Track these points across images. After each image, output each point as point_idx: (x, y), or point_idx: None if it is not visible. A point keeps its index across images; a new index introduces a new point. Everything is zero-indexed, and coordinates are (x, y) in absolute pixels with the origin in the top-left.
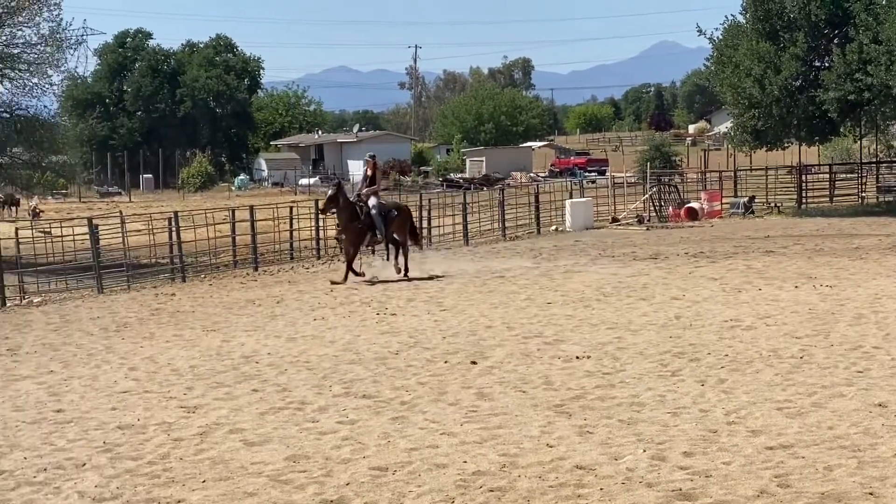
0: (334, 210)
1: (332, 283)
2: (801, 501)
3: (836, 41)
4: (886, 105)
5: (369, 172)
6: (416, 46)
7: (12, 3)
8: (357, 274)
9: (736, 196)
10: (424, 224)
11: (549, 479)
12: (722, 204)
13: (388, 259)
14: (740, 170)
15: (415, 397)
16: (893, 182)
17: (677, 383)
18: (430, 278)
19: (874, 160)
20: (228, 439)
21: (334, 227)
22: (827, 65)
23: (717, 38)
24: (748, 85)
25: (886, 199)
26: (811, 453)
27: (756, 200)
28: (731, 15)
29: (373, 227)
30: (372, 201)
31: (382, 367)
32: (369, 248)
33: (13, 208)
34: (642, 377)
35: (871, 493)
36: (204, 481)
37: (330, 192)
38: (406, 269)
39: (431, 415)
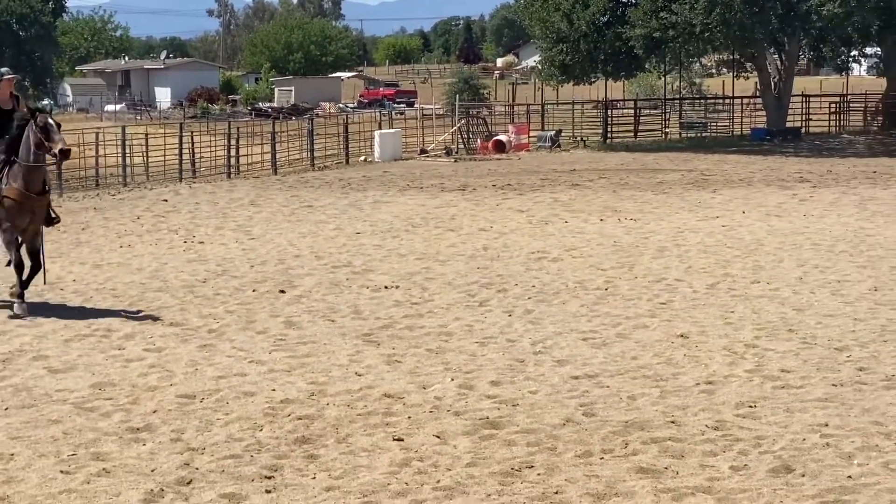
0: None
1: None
2: (605, 430)
3: None
4: (690, 43)
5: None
6: None
7: None
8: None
9: (543, 130)
10: (233, 153)
11: (358, 407)
12: (529, 137)
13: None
14: (547, 104)
15: (223, 325)
16: (696, 118)
17: (485, 313)
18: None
19: (678, 97)
20: (32, 366)
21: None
22: (634, 1)
23: None
24: (556, 19)
25: (689, 136)
26: (615, 383)
27: (562, 134)
28: None
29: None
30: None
31: (190, 296)
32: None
33: None
34: (450, 307)
35: (672, 422)
36: (7, 409)
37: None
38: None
39: (239, 343)
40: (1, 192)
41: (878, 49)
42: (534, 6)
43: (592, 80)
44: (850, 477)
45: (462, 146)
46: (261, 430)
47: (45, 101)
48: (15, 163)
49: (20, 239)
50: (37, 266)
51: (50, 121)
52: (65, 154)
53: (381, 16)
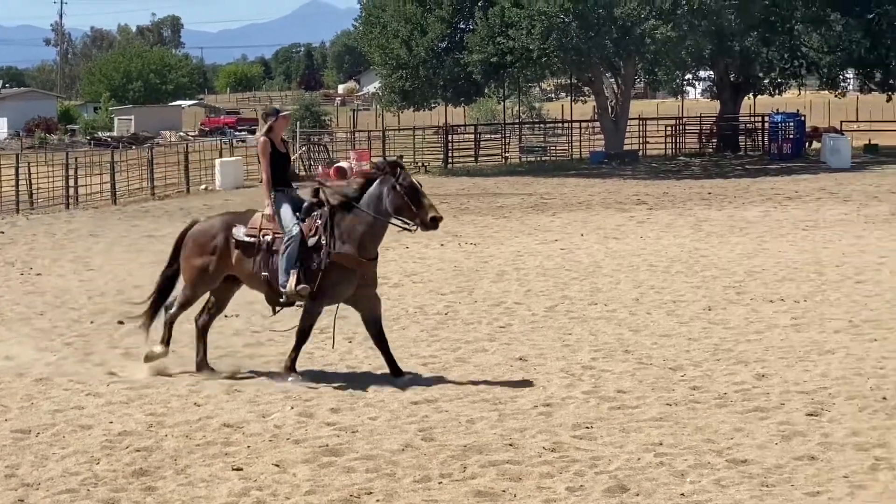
0: None
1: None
2: (444, 454)
3: (479, 4)
4: (528, 68)
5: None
6: (61, 2)
7: None
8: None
9: (384, 156)
10: (71, 184)
11: (197, 437)
12: (370, 163)
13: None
14: (389, 130)
15: (60, 358)
16: (535, 143)
17: (325, 340)
18: None
19: (517, 121)
20: None
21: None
22: (471, 28)
23: None
24: (395, 46)
25: (528, 160)
26: (455, 407)
27: (403, 160)
28: None
29: None
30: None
31: (27, 328)
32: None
33: None
34: (291, 335)
35: (511, 444)
36: None
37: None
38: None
39: (77, 376)
40: (329, 257)
41: (712, 72)
42: (373, 33)
43: (432, 105)
44: (682, 495)
45: (304, 173)
46: (98, 463)
47: None
48: (353, 214)
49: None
50: (382, 338)
51: (415, 180)
52: (436, 223)
53: (222, 43)
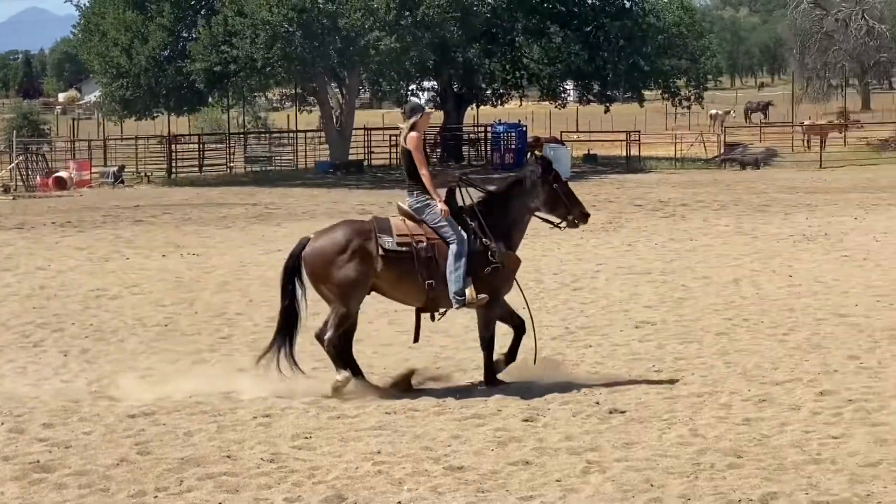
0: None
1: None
2: (160, 468)
3: (202, 13)
4: (252, 77)
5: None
6: None
7: None
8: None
9: (106, 165)
10: None
11: None
12: (91, 173)
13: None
14: (110, 139)
15: None
16: (261, 152)
17: (39, 354)
18: None
19: (242, 131)
20: None
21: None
22: (194, 36)
23: (85, 5)
24: (116, 54)
25: (254, 169)
26: (172, 420)
27: (126, 170)
28: None
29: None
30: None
31: None
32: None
33: None
34: (2, 349)
35: (228, 456)
36: None
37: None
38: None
39: None
40: (495, 257)
41: (436, 83)
42: (92, 41)
43: (155, 115)
44: (400, 503)
45: (21, 183)
46: None
47: None
48: (502, 211)
49: None
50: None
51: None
52: (587, 218)
53: None
